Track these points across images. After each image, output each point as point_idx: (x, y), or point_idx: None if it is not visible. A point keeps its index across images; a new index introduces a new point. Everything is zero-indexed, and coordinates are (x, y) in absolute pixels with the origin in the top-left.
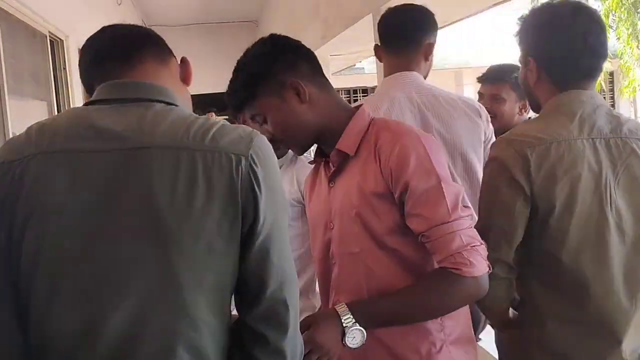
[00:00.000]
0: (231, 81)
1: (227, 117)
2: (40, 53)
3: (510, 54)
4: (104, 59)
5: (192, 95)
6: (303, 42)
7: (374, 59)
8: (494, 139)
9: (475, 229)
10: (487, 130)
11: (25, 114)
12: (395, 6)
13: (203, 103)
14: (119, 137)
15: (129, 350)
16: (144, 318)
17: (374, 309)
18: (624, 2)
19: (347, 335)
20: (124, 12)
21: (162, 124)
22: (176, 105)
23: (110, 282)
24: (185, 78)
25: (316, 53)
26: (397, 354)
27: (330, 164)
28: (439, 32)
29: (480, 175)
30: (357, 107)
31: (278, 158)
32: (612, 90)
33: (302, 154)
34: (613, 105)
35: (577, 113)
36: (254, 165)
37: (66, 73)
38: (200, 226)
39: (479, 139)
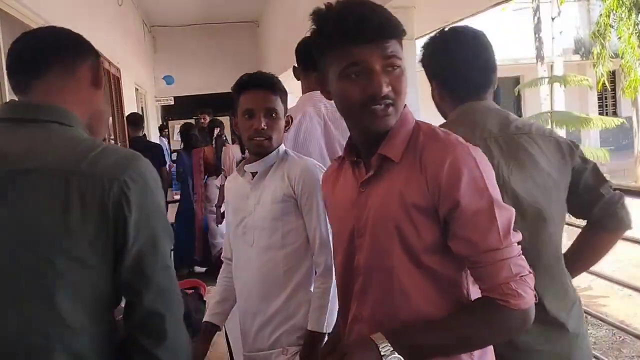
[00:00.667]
0: (371, 6)
1: (221, 116)
2: None
3: (511, 52)
4: (14, 73)
5: (191, 96)
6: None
7: None
8: None
9: (523, 257)
10: None
11: None
12: None
13: (201, 104)
14: (4, 158)
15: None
16: (25, 323)
17: (414, 339)
18: (624, 1)
19: None
20: (124, 13)
21: (50, 147)
22: (71, 127)
23: None
24: (95, 82)
25: None
26: None
27: (365, 167)
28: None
29: None
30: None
31: (267, 153)
32: (614, 89)
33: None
34: (615, 105)
35: (471, 120)
36: (125, 189)
37: None
38: (74, 244)
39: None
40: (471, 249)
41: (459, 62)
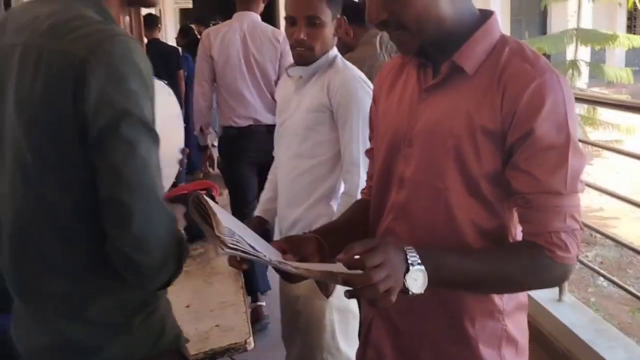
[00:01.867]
0: None
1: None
2: None
3: None
4: None
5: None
6: None
7: None
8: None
9: (580, 210)
10: (283, 50)
11: None
12: None
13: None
14: (15, 33)
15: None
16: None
17: (444, 260)
18: None
19: (410, 273)
20: None
21: (46, 22)
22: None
23: None
24: None
25: None
26: (454, 315)
27: (433, 72)
28: None
29: (273, 80)
30: (487, 15)
31: (309, 63)
32: None
33: (412, 53)
34: None
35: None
36: (87, 68)
37: None
38: (42, 120)
39: (276, 57)
40: (531, 185)
41: None
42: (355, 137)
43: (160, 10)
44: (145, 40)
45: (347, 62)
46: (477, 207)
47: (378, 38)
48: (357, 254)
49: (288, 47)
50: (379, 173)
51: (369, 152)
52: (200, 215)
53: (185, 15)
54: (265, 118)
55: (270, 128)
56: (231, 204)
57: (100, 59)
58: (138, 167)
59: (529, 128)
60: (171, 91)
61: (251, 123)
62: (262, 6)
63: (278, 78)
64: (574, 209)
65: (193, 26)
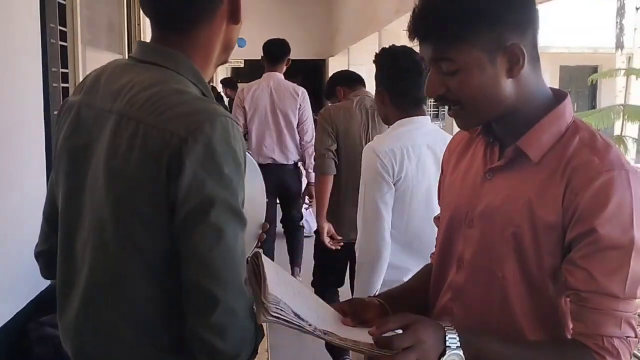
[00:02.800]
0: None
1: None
2: (116, 5)
3: (590, 40)
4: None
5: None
6: (375, 16)
7: None
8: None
9: (636, 316)
10: (302, 101)
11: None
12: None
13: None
14: (109, 96)
15: None
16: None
17: (486, 348)
18: None
19: (446, 357)
20: None
21: (140, 90)
22: (176, 72)
23: None
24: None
25: (388, 27)
26: None
27: (497, 152)
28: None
29: (295, 124)
30: (560, 96)
31: None
32: None
33: (468, 129)
34: None
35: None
36: (183, 147)
37: (140, 29)
38: (133, 194)
39: (296, 106)
40: (588, 283)
41: (410, 79)
42: None
43: None
44: None
45: None
46: (535, 300)
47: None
48: (390, 330)
49: (307, 98)
50: (440, 248)
51: (436, 220)
52: (254, 274)
53: (236, 73)
54: (281, 158)
55: (283, 167)
56: None
57: (198, 141)
58: (225, 255)
59: (590, 226)
60: (257, 167)
61: (269, 162)
62: (284, 68)
63: (299, 124)
64: (630, 315)
65: (216, 86)
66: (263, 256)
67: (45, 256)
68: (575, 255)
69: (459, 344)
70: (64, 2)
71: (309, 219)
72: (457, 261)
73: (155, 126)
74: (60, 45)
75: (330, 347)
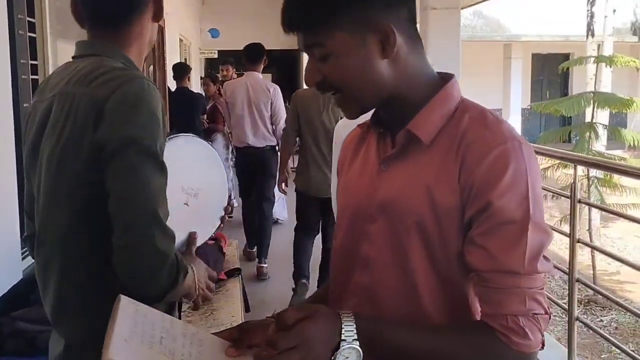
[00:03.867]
0: None
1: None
2: None
3: (561, 28)
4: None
5: (235, 51)
6: None
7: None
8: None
9: (545, 292)
10: (274, 97)
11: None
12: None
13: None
14: (54, 87)
15: None
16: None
17: (386, 335)
18: None
19: (340, 351)
20: None
21: (81, 73)
22: (112, 58)
23: None
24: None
25: None
26: None
27: (390, 142)
28: (490, 5)
29: (267, 117)
30: (447, 78)
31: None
32: None
33: (355, 117)
34: None
35: None
36: (104, 103)
37: None
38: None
39: (268, 100)
40: (487, 262)
41: None
42: None
43: (185, 59)
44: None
45: None
46: (446, 290)
47: None
48: (284, 328)
49: (278, 93)
50: (339, 252)
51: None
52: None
53: (209, 64)
54: (254, 142)
55: (257, 149)
56: (239, 193)
57: (117, 96)
58: (138, 188)
59: (486, 200)
60: (219, 158)
61: (245, 145)
62: (262, 67)
63: (272, 115)
64: (534, 290)
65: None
66: (123, 299)
67: (30, 240)
68: (473, 233)
69: (356, 336)
70: None
71: (277, 210)
72: (362, 261)
73: (86, 94)
74: (29, 36)
75: None
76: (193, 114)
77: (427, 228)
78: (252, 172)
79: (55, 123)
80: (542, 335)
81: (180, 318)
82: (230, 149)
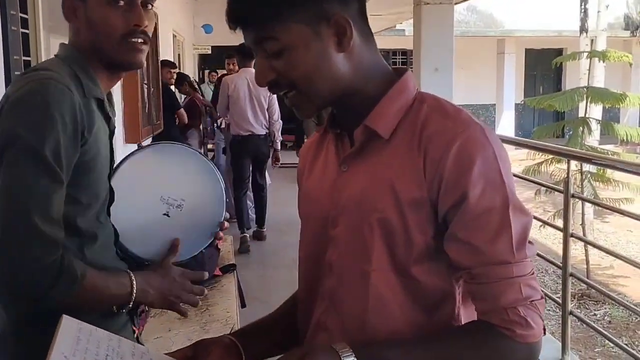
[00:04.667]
0: None
1: None
2: None
3: (555, 23)
4: None
5: (229, 47)
6: None
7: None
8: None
9: (535, 276)
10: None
11: None
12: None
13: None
14: None
15: None
16: None
17: (383, 356)
18: None
19: None
20: None
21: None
22: (60, 58)
23: None
24: None
25: None
26: None
27: (348, 142)
28: (483, 0)
29: (265, 107)
30: (401, 72)
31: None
32: None
33: (310, 117)
34: None
35: None
36: (5, 102)
37: None
38: None
39: (267, 94)
40: (474, 258)
41: None
42: None
43: (179, 55)
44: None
45: None
46: (407, 289)
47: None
48: None
49: None
50: (306, 261)
51: None
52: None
53: (203, 60)
54: (257, 130)
55: (259, 137)
56: (233, 181)
57: (16, 95)
58: (12, 186)
59: (461, 193)
60: (219, 176)
61: (249, 133)
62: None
63: (268, 107)
64: (527, 277)
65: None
66: (65, 319)
67: None
68: (454, 229)
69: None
70: None
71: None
72: (327, 267)
73: (6, 94)
74: (22, 32)
75: None
76: (172, 111)
77: (391, 223)
78: (251, 158)
79: None
80: (542, 320)
81: (136, 331)
82: (204, 146)
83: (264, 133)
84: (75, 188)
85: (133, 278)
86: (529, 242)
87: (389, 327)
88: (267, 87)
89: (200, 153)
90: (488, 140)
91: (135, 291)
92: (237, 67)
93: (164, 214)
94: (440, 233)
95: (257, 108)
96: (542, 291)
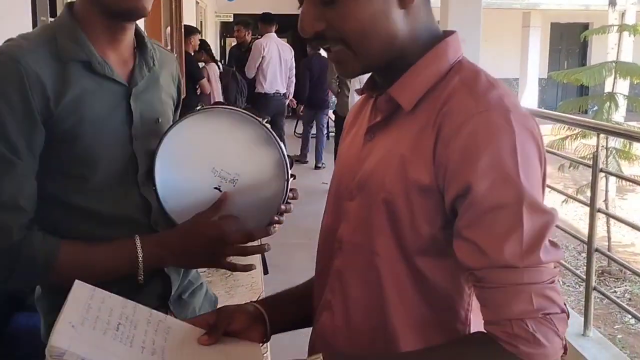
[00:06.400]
0: None
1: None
2: None
3: None
4: None
5: (252, 15)
6: None
7: None
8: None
9: (557, 287)
10: (292, 53)
11: None
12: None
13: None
14: None
15: None
16: None
17: None
18: None
19: None
20: None
21: None
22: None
23: None
24: None
25: None
26: None
27: (376, 110)
28: None
29: (289, 66)
30: (446, 36)
31: None
32: None
33: (352, 77)
34: None
35: None
36: None
37: None
38: None
39: (291, 56)
40: (478, 259)
41: None
42: None
43: (201, 22)
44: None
45: None
46: (415, 279)
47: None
48: None
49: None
50: (323, 234)
51: None
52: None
53: (224, 28)
54: (282, 89)
55: (282, 95)
56: None
57: None
58: None
59: (464, 182)
60: (280, 154)
61: (275, 92)
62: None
63: (290, 68)
64: (540, 285)
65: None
66: (77, 284)
67: None
68: (459, 225)
69: None
70: None
71: None
72: (338, 243)
73: None
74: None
75: None
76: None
77: (397, 207)
78: (272, 115)
79: None
80: (562, 339)
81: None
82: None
83: (285, 92)
84: (58, 160)
85: (138, 243)
86: (553, 244)
87: (392, 317)
88: (308, 38)
89: (260, 122)
90: (511, 127)
91: (142, 255)
92: (244, 34)
93: (215, 188)
94: (450, 226)
95: (284, 69)
96: (564, 266)
